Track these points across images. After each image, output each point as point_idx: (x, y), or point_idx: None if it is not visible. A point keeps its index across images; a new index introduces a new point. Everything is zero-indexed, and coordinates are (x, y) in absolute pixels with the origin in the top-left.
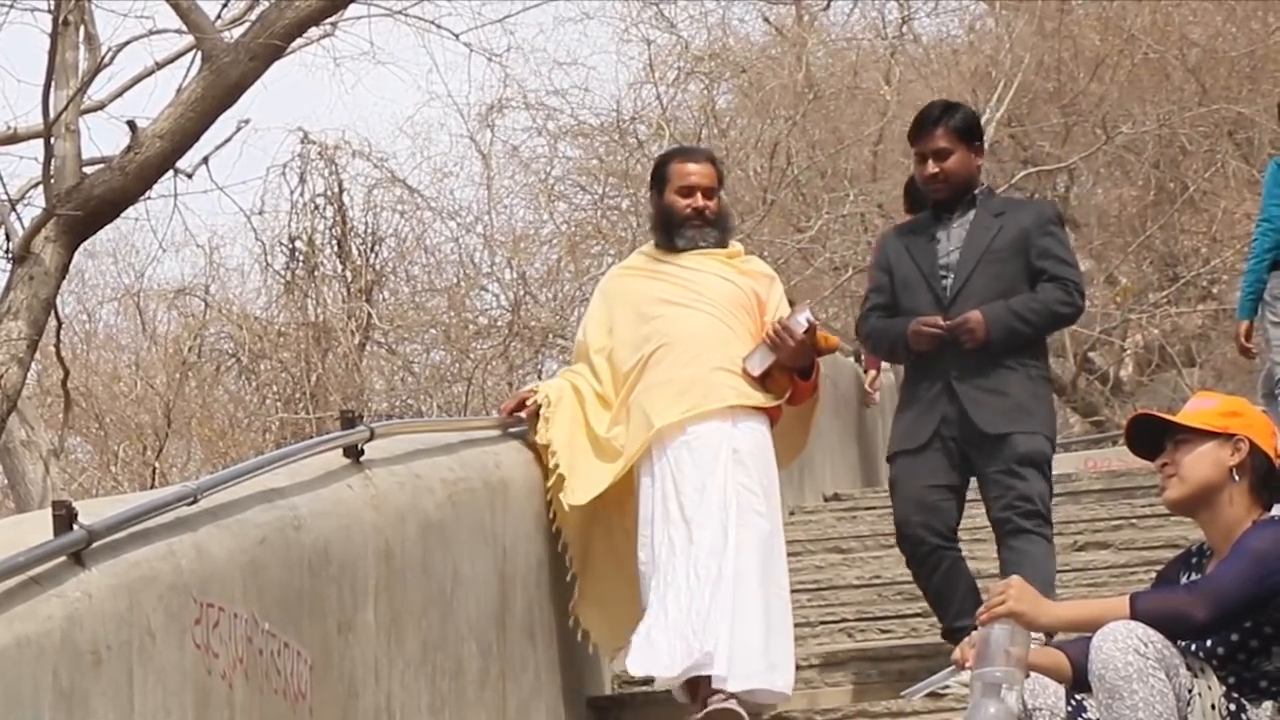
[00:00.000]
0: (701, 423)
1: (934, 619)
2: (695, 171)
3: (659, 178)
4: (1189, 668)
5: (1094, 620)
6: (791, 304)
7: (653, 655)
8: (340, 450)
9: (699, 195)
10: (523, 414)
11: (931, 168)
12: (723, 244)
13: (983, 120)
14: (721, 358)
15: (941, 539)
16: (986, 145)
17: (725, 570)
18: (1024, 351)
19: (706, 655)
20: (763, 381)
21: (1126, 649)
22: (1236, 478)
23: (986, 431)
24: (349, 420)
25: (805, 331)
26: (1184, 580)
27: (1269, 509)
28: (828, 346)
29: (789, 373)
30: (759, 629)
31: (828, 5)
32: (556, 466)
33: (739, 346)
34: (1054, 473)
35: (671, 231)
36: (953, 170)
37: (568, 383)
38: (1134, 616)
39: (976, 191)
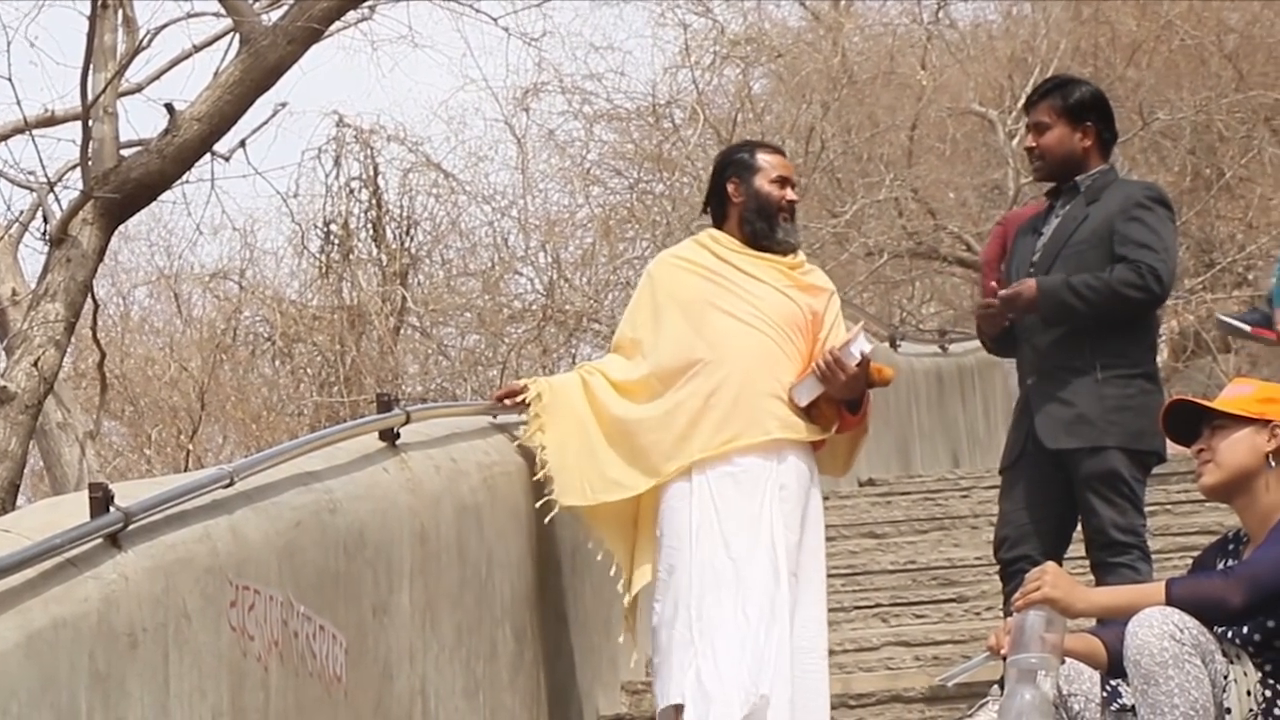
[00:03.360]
0: (747, 454)
1: (969, 604)
2: (785, 165)
3: (745, 165)
4: (1224, 654)
5: (1129, 606)
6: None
7: (706, 704)
8: (376, 434)
9: (790, 189)
10: (508, 403)
11: (1029, 140)
12: (798, 244)
13: (1017, 106)
14: (771, 382)
15: (1028, 562)
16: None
17: (780, 614)
18: (1098, 351)
19: (763, 699)
20: (809, 411)
21: (1162, 635)
22: (1273, 464)
23: (1047, 447)
24: (385, 404)
25: (858, 364)
26: (1220, 567)
27: None
28: (880, 380)
29: (836, 404)
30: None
31: None
32: (546, 472)
33: (789, 370)
34: None
35: (773, 222)
36: (1048, 146)
37: (578, 378)
38: (1169, 602)
39: (1079, 177)
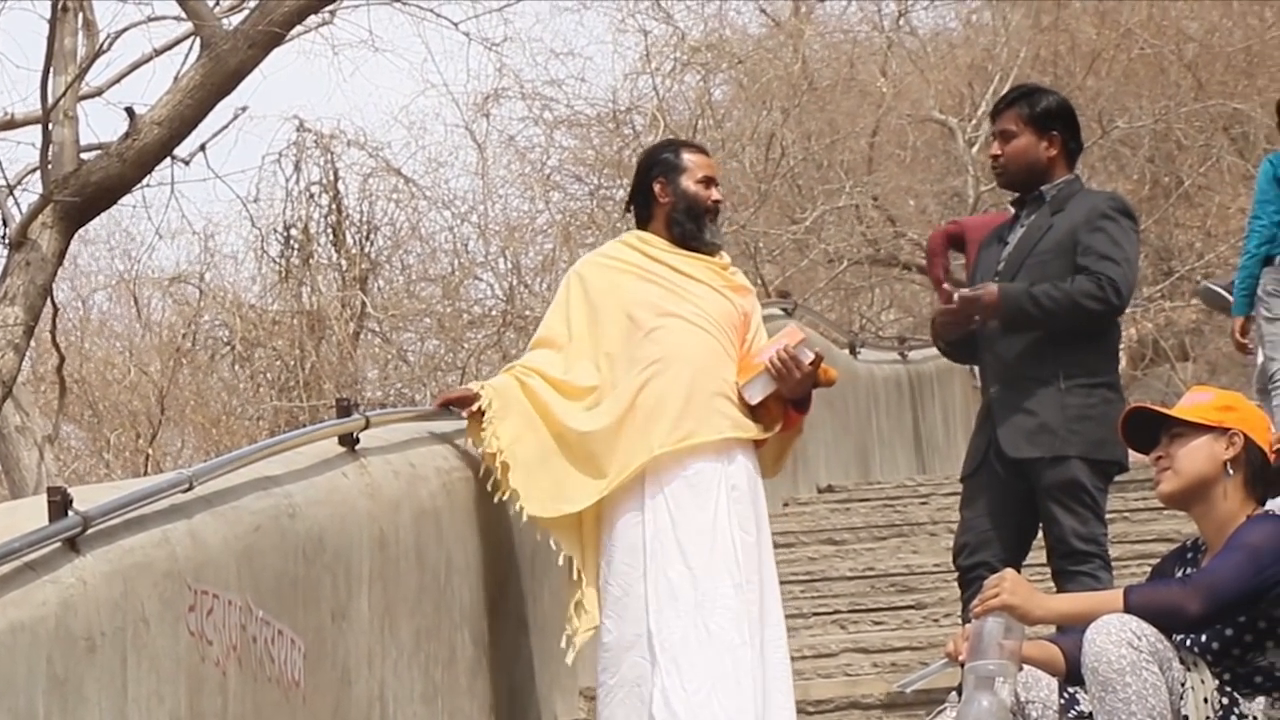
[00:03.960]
0: (698, 456)
1: (927, 611)
2: (710, 164)
3: (671, 165)
4: (1182, 661)
5: (1088, 613)
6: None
7: None
8: (335, 438)
9: (715, 189)
10: (463, 413)
11: (995, 149)
12: (722, 244)
13: (977, 114)
14: (719, 382)
15: (987, 569)
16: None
17: (745, 636)
18: (1061, 360)
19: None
20: (753, 410)
21: (1120, 642)
22: (1231, 472)
23: (1009, 456)
24: (344, 409)
25: (810, 363)
26: (1179, 575)
27: (1263, 503)
28: (827, 380)
29: (784, 403)
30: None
31: None
32: (507, 470)
33: (731, 370)
34: None
35: (701, 222)
36: (1012, 155)
37: (515, 381)
38: (1128, 610)
39: (1044, 187)
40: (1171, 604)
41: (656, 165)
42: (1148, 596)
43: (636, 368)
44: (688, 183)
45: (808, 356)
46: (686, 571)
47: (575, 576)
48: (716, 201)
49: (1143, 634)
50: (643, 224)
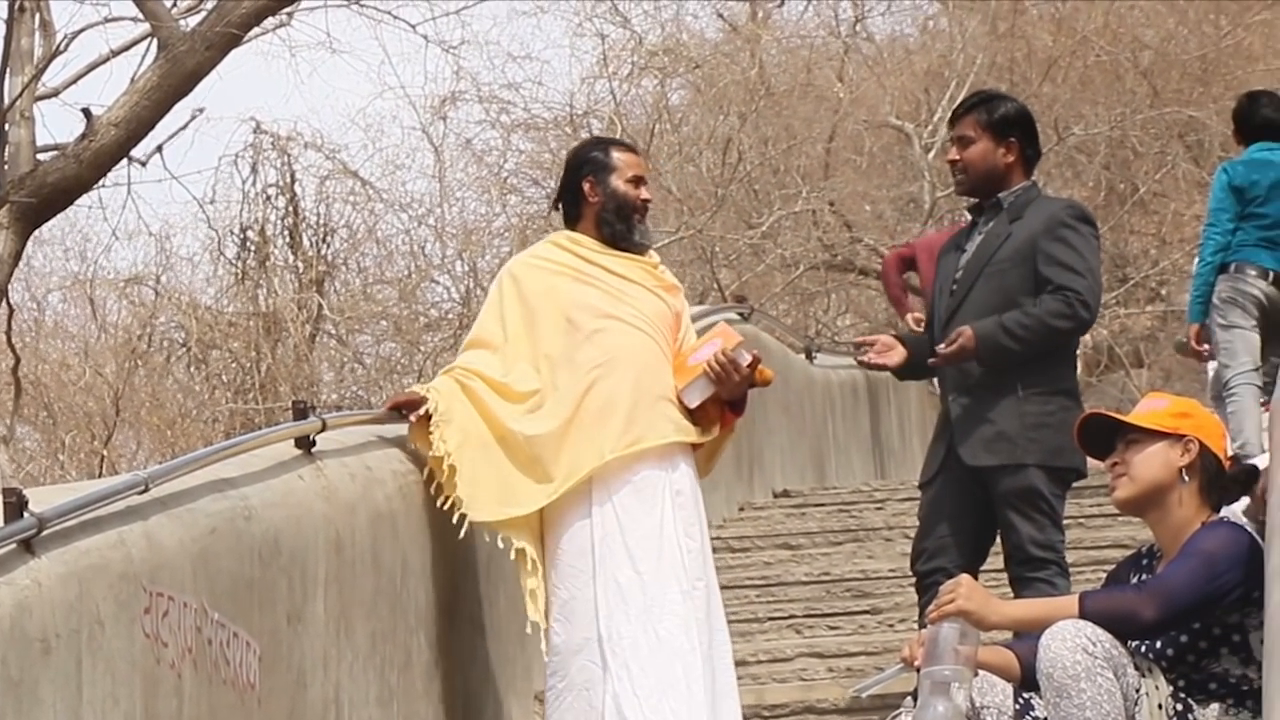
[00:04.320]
0: (644, 461)
1: (883, 616)
2: (639, 163)
3: (600, 164)
4: (1137, 667)
5: (1043, 619)
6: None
7: None
8: (292, 441)
9: (644, 188)
10: (411, 416)
11: (953, 154)
12: (651, 244)
13: (934, 119)
14: (661, 385)
15: (944, 575)
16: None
17: (694, 642)
18: (1020, 369)
19: None
20: (691, 412)
21: (1075, 648)
22: (1186, 479)
23: (968, 464)
24: (301, 411)
25: (748, 364)
26: (1134, 581)
27: (1218, 510)
28: (763, 380)
29: (720, 405)
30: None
31: (782, 2)
32: (454, 474)
33: (669, 370)
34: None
35: (631, 222)
36: (970, 160)
37: (456, 383)
38: (1083, 616)
39: (1002, 194)
40: (1127, 610)
41: (585, 164)
42: (1103, 602)
43: (579, 371)
44: (617, 182)
45: (746, 359)
46: (635, 576)
47: (530, 566)
48: (645, 201)
49: (1097, 640)
50: (571, 223)
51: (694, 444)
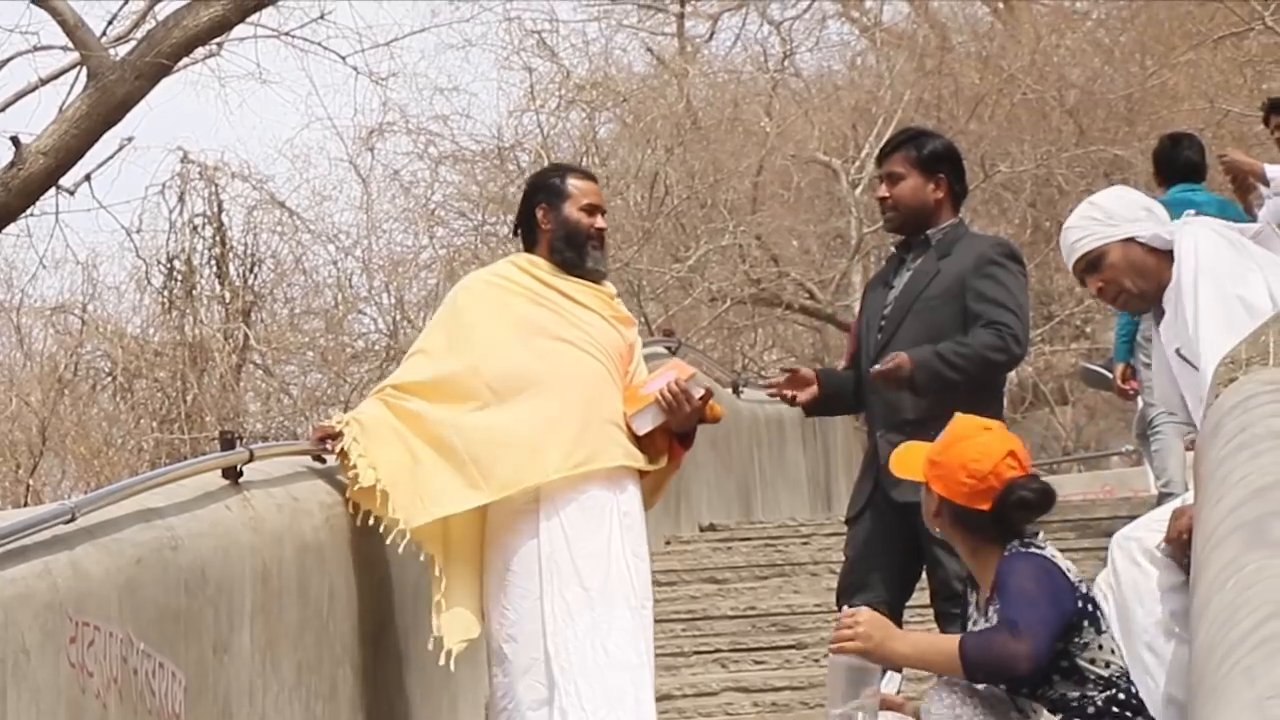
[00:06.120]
0: (592, 481)
1: (808, 651)
2: (595, 191)
3: (554, 191)
4: (1019, 709)
5: (929, 659)
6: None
7: None
8: (219, 471)
9: (599, 216)
10: (333, 449)
11: (882, 190)
12: (606, 273)
13: (861, 155)
14: (611, 409)
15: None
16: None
17: (643, 658)
18: (949, 405)
19: None
20: (639, 441)
21: None
22: (937, 529)
23: (895, 500)
24: (228, 441)
25: (699, 398)
26: (970, 599)
27: (1007, 540)
28: (713, 417)
29: (669, 436)
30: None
31: (710, 37)
32: (389, 509)
33: (619, 398)
34: None
35: (581, 250)
36: (900, 197)
37: (382, 405)
38: (963, 659)
39: (930, 230)
40: (1004, 657)
41: (540, 191)
42: (981, 650)
43: (527, 388)
44: (570, 210)
45: (698, 392)
46: (583, 593)
47: (437, 574)
48: (599, 229)
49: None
50: (529, 249)
51: (641, 472)
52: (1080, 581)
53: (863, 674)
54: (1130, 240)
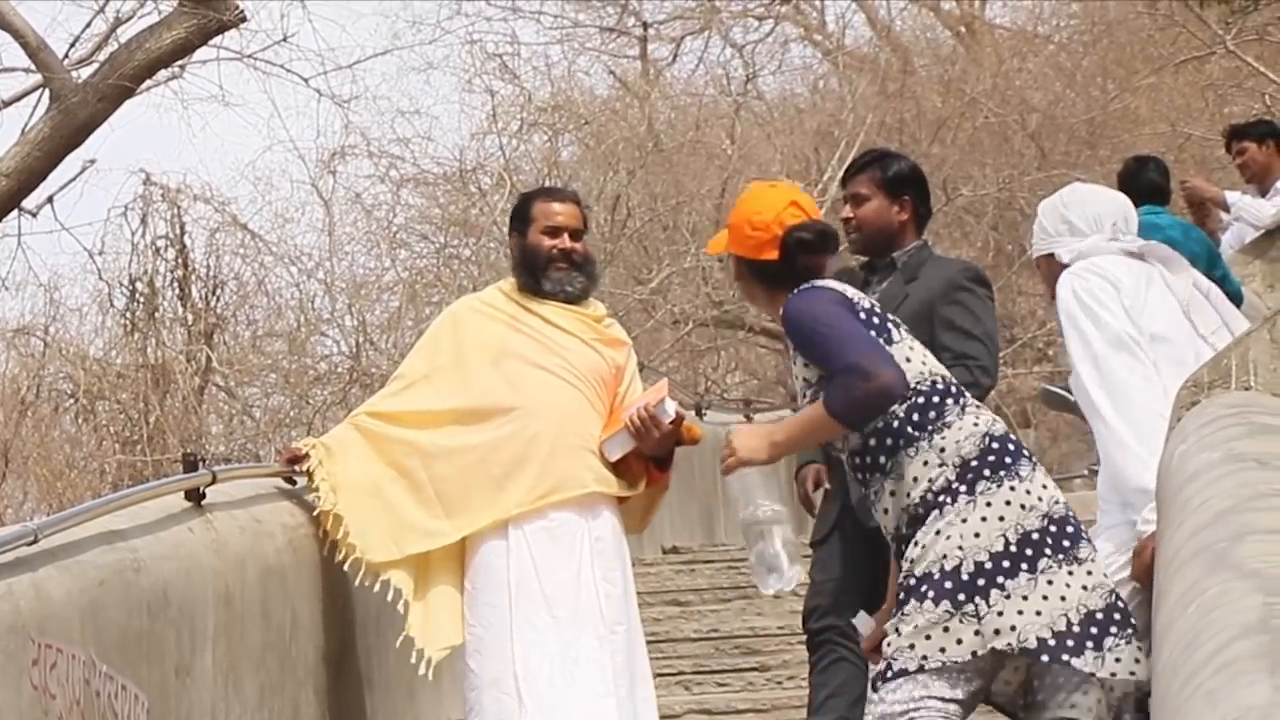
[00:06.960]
0: (561, 508)
1: (771, 673)
2: (561, 211)
3: (522, 217)
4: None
5: (806, 433)
6: (641, 367)
7: None
8: (181, 493)
9: (566, 236)
10: (299, 470)
11: (847, 212)
12: (588, 291)
13: (824, 178)
14: (583, 435)
15: (836, 633)
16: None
17: (609, 685)
18: None
19: None
20: (616, 466)
21: None
22: (740, 287)
23: (862, 524)
24: (190, 463)
25: (671, 422)
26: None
27: (798, 285)
28: (690, 439)
29: (644, 460)
30: None
31: (673, 60)
32: (346, 535)
33: (597, 424)
34: None
35: (537, 274)
36: (865, 218)
37: (353, 429)
38: (832, 414)
39: (896, 253)
40: (869, 392)
41: (513, 219)
42: (845, 399)
43: (498, 415)
44: (532, 234)
45: (668, 415)
46: (551, 620)
47: (404, 595)
48: (563, 250)
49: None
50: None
51: (620, 497)
52: (860, 298)
53: (758, 485)
54: (1050, 255)
